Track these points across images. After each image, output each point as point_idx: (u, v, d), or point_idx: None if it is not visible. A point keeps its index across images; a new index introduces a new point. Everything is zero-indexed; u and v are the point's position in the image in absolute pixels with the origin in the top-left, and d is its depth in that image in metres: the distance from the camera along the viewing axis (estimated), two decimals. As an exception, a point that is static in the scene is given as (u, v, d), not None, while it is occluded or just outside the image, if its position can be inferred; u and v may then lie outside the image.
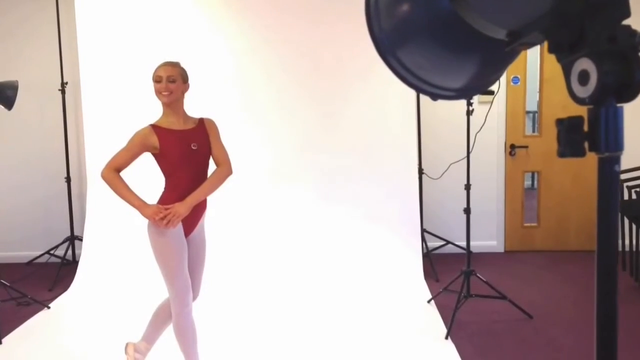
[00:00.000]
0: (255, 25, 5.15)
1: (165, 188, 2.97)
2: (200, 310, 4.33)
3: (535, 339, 3.77)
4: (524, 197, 5.79)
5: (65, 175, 5.38)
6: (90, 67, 5.11)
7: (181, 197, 2.91)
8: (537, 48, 5.57)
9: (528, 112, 5.99)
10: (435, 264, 5.26)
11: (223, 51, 5.17)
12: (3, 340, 3.90)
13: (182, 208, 2.87)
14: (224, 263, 5.03)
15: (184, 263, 2.97)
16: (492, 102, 4.76)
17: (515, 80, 5.61)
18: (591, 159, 5.63)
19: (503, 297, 4.15)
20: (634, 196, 4.75)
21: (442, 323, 4.04)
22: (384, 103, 5.17)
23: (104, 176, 2.91)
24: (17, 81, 4.15)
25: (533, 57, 5.66)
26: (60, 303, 4.62)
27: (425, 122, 5.58)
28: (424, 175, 5.48)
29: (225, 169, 3.02)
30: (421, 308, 4.34)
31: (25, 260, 5.73)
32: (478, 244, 5.79)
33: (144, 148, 2.92)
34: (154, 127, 2.94)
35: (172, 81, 2.92)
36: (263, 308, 4.41)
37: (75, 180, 5.55)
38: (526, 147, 5.69)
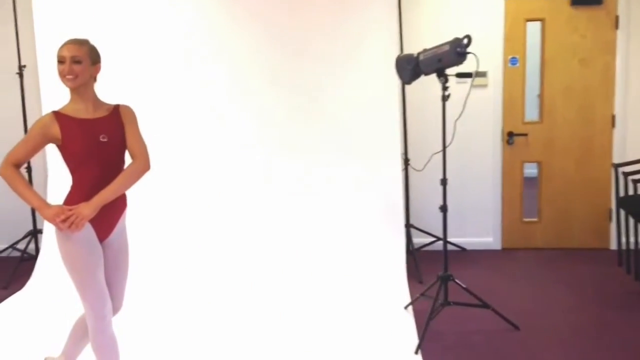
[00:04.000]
0: (238, 3, 4.73)
1: (71, 186, 2.58)
2: (174, 313, 3.98)
3: (519, 354, 3.31)
4: (522, 189, 5.29)
5: (26, 164, 5.03)
6: (48, 49, 4.74)
7: (89, 197, 2.52)
8: (538, 26, 5.06)
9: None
10: (422, 263, 4.81)
11: (204, 29, 4.76)
12: None
13: (87, 209, 2.48)
14: (186, 254, 4.68)
15: (96, 271, 2.58)
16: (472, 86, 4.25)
17: (514, 61, 5.09)
18: (598, 148, 5.16)
19: (485, 306, 3.70)
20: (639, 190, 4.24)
21: (416, 333, 3.61)
22: (364, 88, 4.72)
23: (1, 172, 2.53)
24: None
25: (533, 37, 5.13)
26: (10, 304, 4.29)
27: (413, 109, 5.11)
28: (411, 167, 5.03)
29: (140, 164, 2.61)
30: (396, 314, 3.90)
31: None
32: (472, 241, 5.32)
33: (45, 139, 2.52)
34: (56, 114, 2.54)
35: (77, 61, 2.51)
36: (226, 308, 4.01)
37: (38, 169, 5.21)
38: (525, 134, 5.18)
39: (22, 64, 4.94)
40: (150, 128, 4.73)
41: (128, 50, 4.78)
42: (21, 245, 5.11)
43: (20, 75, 4.93)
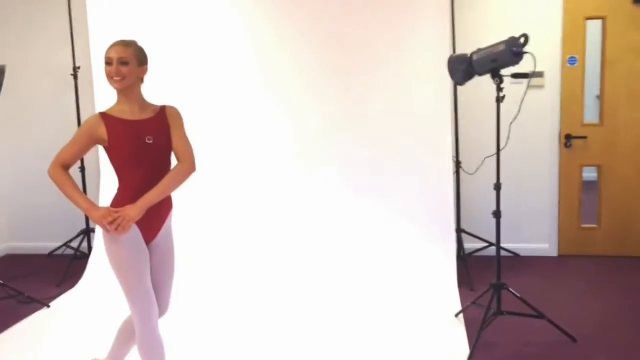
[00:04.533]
0: (277, 2, 4.69)
1: (118, 188, 2.58)
2: (207, 315, 3.97)
3: (573, 368, 3.16)
4: (581, 194, 5.07)
5: (80, 164, 5.12)
6: (102, 50, 4.77)
7: (135, 198, 2.51)
8: (598, 25, 4.85)
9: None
10: (473, 269, 4.66)
11: (242, 31, 4.75)
12: (-13, 343, 3.67)
13: (133, 211, 2.47)
14: (233, 258, 4.67)
15: (143, 273, 2.58)
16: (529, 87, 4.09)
17: (572, 60, 4.89)
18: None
19: (540, 316, 3.54)
20: None
21: (467, 343, 3.48)
22: (414, 89, 4.60)
23: (50, 174, 2.55)
24: (5, 65, 3.87)
25: (593, 35, 4.91)
26: (62, 302, 4.36)
27: (465, 110, 4.97)
28: (462, 170, 4.89)
29: (185, 166, 2.59)
30: (446, 322, 3.79)
31: (47, 252, 5.55)
32: (527, 247, 5.14)
33: (92, 140, 2.53)
34: (103, 115, 2.54)
35: (124, 63, 2.51)
36: (270, 312, 3.97)
37: (92, 171, 5.29)
38: (584, 137, 4.96)
39: (77, 65, 5.03)
40: (196, 130, 4.76)
41: (178, 52, 4.80)
42: (74, 244, 5.21)
43: (75, 76, 5.02)
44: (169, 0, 4.77)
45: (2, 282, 4.15)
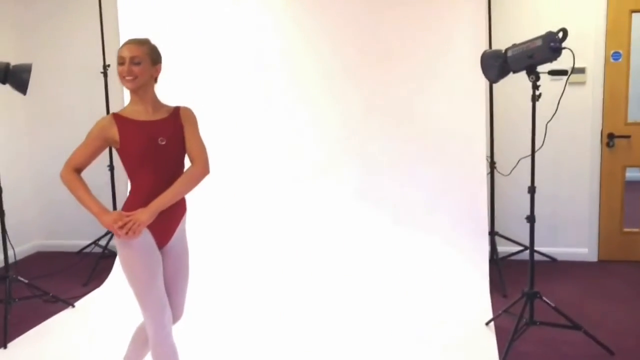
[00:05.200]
0: (305, 5, 4.57)
1: (130, 191, 2.51)
2: (220, 324, 3.89)
3: (611, 385, 2.97)
4: (624, 196, 4.82)
5: (109, 162, 5.11)
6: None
7: (147, 202, 2.43)
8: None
9: None
10: (507, 274, 4.47)
11: (270, 33, 4.66)
12: (12, 344, 3.66)
13: (145, 215, 2.39)
14: (251, 264, 4.59)
15: (155, 279, 2.50)
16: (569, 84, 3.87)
17: (616, 56, 4.64)
18: None
19: (576, 327, 3.35)
20: None
21: (497, 354, 3.32)
22: (447, 87, 4.44)
23: (62, 177, 2.49)
24: (31, 64, 3.85)
25: (639, 29, 4.65)
26: (87, 302, 4.34)
27: (501, 109, 4.77)
28: (497, 171, 4.70)
29: (198, 168, 2.49)
30: (476, 331, 3.62)
31: (77, 250, 5.56)
32: (565, 251, 4.91)
33: (105, 141, 2.46)
34: (115, 116, 2.47)
35: (137, 63, 2.42)
36: (290, 319, 3.87)
37: (121, 169, 5.25)
38: (628, 136, 4.71)
39: (107, 63, 5.01)
40: (218, 131, 4.71)
41: (205, 52, 4.74)
42: (103, 242, 5.20)
43: (105, 74, 5.01)
44: (198, 1, 4.70)
45: (27, 281, 4.12)
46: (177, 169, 2.51)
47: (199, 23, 4.73)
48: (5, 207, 3.95)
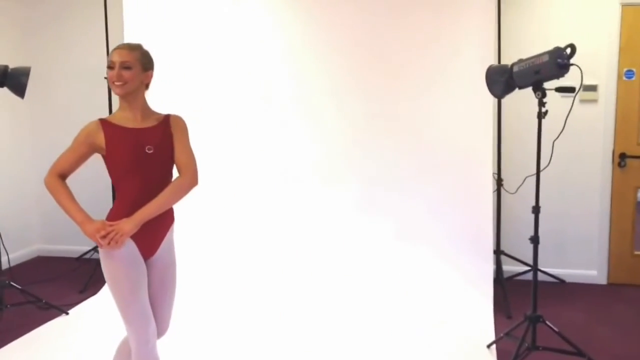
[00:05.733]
0: (310, 10, 4.50)
1: (115, 200, 2.43)
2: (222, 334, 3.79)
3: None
4: (635, 218, 4.68)
5: (110, 168, 5.04)
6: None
7: (132, 211, 2.36)
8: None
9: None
10: (513, 295, 4.34)
11: (272, 37, 4.58)
12: (0, 350, 3.59)
13: (128, 225, 2.31)
14: (245, 277, 4.50)
15: (139, 291, 2.42)
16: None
17: (629, 74, 4.52)
18: None
19: (580, 354, 3.22)
20: None
21: (497, 379, 3.20)
22: (453, 101, 4.33)
23: (45, 183, 2.43)
24: (29, 67, 3.81)
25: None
26: (81, 309, 4.27)
27: (509, 125, 4.67)
28: (504, 189, 4.59)
29: (186, 179, 2.42)
30: (477, 354, 3.49)
31: (77, 255, 5.51)
32: (573, 273, 4.77)
33: (91, 148, 2.39)
34: (102, 122, 2.40)
35: (126, 68, 2.36)
36: (287, 332, 3.77)
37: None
38: (640, 157, 4.58)
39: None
40: (215, 138, 4.65)
41: (209, 56, 4.68)
42: (102, 249, 5.13)
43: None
44: (203, 4, 4.65)
45: (20, 287, 4.06)
46: (164, 179, 2.44)
47: (203, 25, 4.66)
48: (7, 211, 3.91)
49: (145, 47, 2.52)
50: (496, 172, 4.53)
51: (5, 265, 4.24)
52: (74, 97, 5.48)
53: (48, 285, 4.79)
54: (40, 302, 4.13)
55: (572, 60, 3.04)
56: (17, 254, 5.41)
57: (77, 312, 4.21)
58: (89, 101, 5.41)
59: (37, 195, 5.66)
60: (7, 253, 4.05)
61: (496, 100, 4.43)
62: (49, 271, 5.20)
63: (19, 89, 3.77)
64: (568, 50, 3.03)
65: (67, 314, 4.17)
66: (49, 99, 5.54)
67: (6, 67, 3.76)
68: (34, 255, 5.71)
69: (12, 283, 4.01)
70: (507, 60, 4.05)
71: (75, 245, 5.54)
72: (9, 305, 3.92)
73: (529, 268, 4.62)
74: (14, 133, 5.45)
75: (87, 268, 5.01)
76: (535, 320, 3.24)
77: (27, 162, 5.59)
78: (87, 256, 5.30)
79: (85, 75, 5.39)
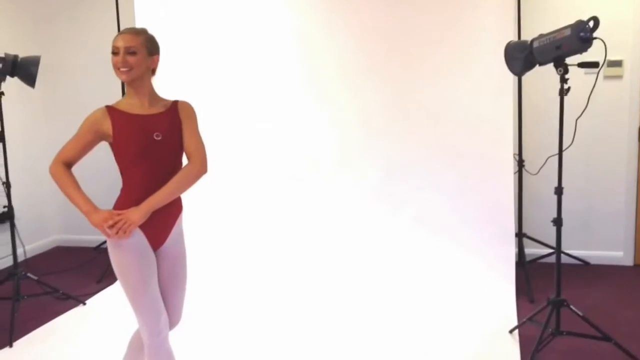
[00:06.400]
0: (325, 1, 4.40)
1: (122, 188, 2.37)
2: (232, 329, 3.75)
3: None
4: (663, 197, 4.54)
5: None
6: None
7: (140, 200, 2.30)
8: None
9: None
10: (535, 278, 4.24)
11: (288, 28, 4.50)
12: (18, 342, 3.58)
13: (136, 214, 2.26)
14: (256, 268, 4.46)
15: (149, 281, 2.36)
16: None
17: (656, 47, 4.35)
18: None
19: (607, 339, 3.11)
20: None
21: (520, 365, 3.11)
22: (472, 81, 4.21)
23: (50, 171, 2.36)
24: (39, 56, 3.76)
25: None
26: (98, 300, 4.26)
27: (530, 104, 4.53)
28: (525, 170, 4.46)
29: (195, 166, 2.35)
30: (499, 339, 3.40)
31: (95, 245, 5.50)
32: (598, 254, 4.65)
33: (97, 135, 2.33)
34: (109, 109, 2.34)
35: (131, 53, 2.28)
36: (302, 323, 3.71)
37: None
38: (668, 134, 4.42)
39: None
40: (231, 129, 4.59)
41: (222, 48, 4.61)
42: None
43: (121, 69, 4.90)
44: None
45: (37, 278, 4.04)
46: (173, 167, 2.37)
47: (215, 14, 4.59)
48: (24, 202, 3.88)
49: (157, 35, 2.44)
50: (517, 152, 4.40)
51: (21, 257, 4.23)
52: (88, 86, 5.45)
53: (66, 276, 4.79)
54: (57, 293, 4.11)
55: (595, 34, 2.91)
56: (36, 245, 5.42)
57: (94, 302, 4.20)
58: (103, 90, 5.37)
59: (53, 186, 5.62)
60: (22, 245, 4.02)
61: (516, 78, 4.30)
62: (67, 261, 5.20)
63: (30, 79, 3.72)
64: (591, 24, 2.89)
65: (85, 304, 4.16)
66: (63, 88, 5.52)
67: (16, 56, 3.71)
68: (53, 245, 5.71)
69: (28, 274, 3.98)
70: (528, 38, 3.92)
71: (93, 234, 5.52)
72: (26, 297, 3.91)
73: (552, 251, 4.51)
74: (29, 123, 5.44)
75: (105, 257, 4.93)
76: (559, 304, 3.14)
77: (42, 152, 5.57)
78: (105, 246, 5.28)
79: (99, 63, 5.35)
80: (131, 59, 2.28)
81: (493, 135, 4.17)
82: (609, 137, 4.50)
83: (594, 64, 3.04)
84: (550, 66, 3.12)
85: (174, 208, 2.41)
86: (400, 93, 4.35)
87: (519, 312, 3.76)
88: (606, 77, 4.39)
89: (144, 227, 2.31)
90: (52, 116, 5.59)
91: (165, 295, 2.49)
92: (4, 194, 3.87)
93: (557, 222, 3.12)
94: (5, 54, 3.70)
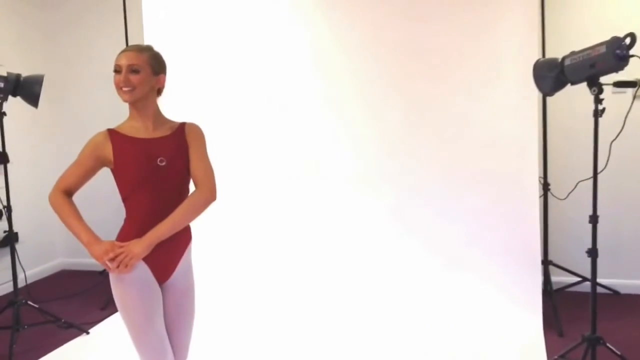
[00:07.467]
0: (341, 12, 4.24)
1: (125, 218, 2.19)
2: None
3: None
4: (697, 223, 4.29)
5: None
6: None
7: (143, 231, 2.12)
8: None
9: None
10: (563, 308, 4.00)
11: (304, 40, 4.34)
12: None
13: (138, 247, 2.08)
14: (267, 299, 4.25)
15: (153, 319, 2.18)
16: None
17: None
18: None
19: (647, 380, 2.88)
20: None
21: (552, 408, 2.87)
22: (495, 100, 4.02)
23: (50, 200, 2.20)
24: (42, 75, 3.61)
25: None
26: (102, 328, 4.06)
27: (556, 126, 4.32)
28: (551, 194, 4.24)
29: (203, 194, 2.16)
30: (527, 378, 3.17)
31: (100, 269, 5.32)
32: (629, 284, 4.40)
33: (98, 161, 2.16)
34: (110, 132, 2.16)
35: (134, 71, 2.12)
36: (309, 345, 3.50)
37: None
38: (703, 157, 4.19)
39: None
40: (243, 142, 4.43)
41: (233, 58, 4.46)
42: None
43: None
44: (226, 5, 4.43)
45: (37, 306, 3.86)
46: (179, 194, 2.19)
47: (225, 28, 4.45)
48: (29, 225, 3.71)
49: (166, 51, 2.28)
50: (542, 176, 4.18)
51: (22, 283, 4.05)
52: (96, 104, 5.31)
53: (70, 302, 4.60)
54: (59, 322, 3.92)
55: (631, 52, 2.72)
56: (41, 268, 5.26)
57: (98, 331, 4.00)
58: (111, 108, 5.20)
59: (60, 208, 5.49)
60: (23, 270, 3.85)
61: (541, 97, 4.10)
62: (71, 286, 5.02)
63: (33, 98, 3.58)
64: (627, 40, 2.70)
65: (88, 333, 3.96)
66: (69, 106, 5.40)
67: (19, 75, 3.57)
68: (59, 269, 5.55)
69: (29, 302, 3.80)
70: (552, 54, 3.72)
71: (99, 258, 5.34)
72: (26, 326, 3.72)
73: (580, 279, 4.27)
74: (35, 143, 5.30)
75: (110, 282, 4.80)
76: (595, 342, 2.91)
77: (49, 172, 5.41)
78: (110, 270, 5.10)
79: (107, 80, 5.18)
80: (134, 78, 2.12)
81: (518, 159, 3.97)
82: (640, 160, 4.28)
83: (631, 84, 2.84)
84: (579, 85, 2.92)
85: (182, 238, 2.23)
86: (419, 111, 4.17)
87: (548, 347, 3.51)
88: (638, 97, 4.19)
89: (148, 259, 2.13)
90: (58, 135, 5.45)
91: (170, 331, 2.30)
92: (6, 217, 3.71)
93: (592, 252, 2.90)
94: (8, 73, 3.57)
